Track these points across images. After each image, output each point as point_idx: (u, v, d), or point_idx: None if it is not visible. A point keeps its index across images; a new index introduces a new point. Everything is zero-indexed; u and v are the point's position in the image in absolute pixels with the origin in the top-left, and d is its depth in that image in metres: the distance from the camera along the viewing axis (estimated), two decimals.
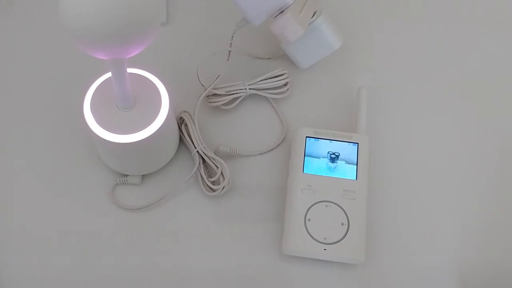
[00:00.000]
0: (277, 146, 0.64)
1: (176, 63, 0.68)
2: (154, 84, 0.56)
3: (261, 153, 0.64)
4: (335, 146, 0.61)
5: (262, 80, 0.65)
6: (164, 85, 0.56)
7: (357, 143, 0.61)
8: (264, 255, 0.58)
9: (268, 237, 0.59)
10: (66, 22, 0.41)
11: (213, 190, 0.59)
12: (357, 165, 0.60)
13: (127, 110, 0.54)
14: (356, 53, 0.70)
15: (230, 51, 0.64)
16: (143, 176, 0.61)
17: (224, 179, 0.59)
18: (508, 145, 0.66)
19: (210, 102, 0.64)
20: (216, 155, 0.61)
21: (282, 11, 0.59)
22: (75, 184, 0.61)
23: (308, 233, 0.56)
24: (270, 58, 0.69)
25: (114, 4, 0.39)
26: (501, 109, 0.68)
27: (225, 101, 0.64)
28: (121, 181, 0.60)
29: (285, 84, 0.66)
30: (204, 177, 0.60)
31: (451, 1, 0.75)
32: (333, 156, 0.60)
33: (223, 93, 0.63)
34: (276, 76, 0.65)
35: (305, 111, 0.66)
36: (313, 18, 0.62)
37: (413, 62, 0.70)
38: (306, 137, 0.61)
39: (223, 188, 0.59)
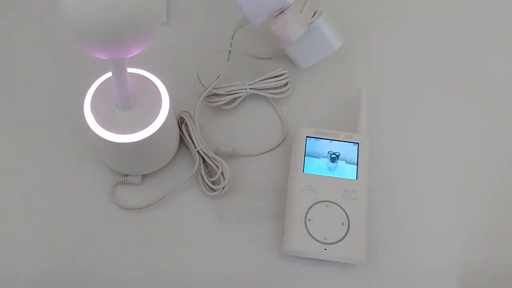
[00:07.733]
0: (277, 146, 0.64)
1: (176, 63, 0.68)
2: (154, 84, 0.56)
3: (261, 153, 0.64)
4: (335, 146, 0.61)
5: (262, 80, 0.65)
6: (164, 85, 0.56)
7: (357, 143, 0.61)
8: (264, 255, 0.58)
9: (268, 237, 0.59)
10: (67, 21, 0.41)
11: (213, 190, 0.59)
12: (357, 165, 0.60)
13: (127, 110, 0.54)
14: (356, 53, 0.70)
15: (230, 51, 0.64)
16: (143, 176, 0.61)
17: (224, 179, 0.59)
18: (509, 145, 0.66)
19: (210, 102, 0.64)
20: (217, 155, 0.61)
21: (282, 11, 0.59)
22: (75, 184, 0.61)
23: (308, 233, 0.56)
24: (270, 58, 0.69)
25: (115, 4, 0.40)
26: (502, 109, 0.68)
27: (225, 101, 0.64)
28: (121, 181, 0.60)
29: (285, 84, 0.66)
30: (204, 177, 0.60)
31: (452, 1, 0.75)
32: (333, 156, 0.60)
33: (224, 93, 0.63)
34: (276, 76, 0.65)
35: (305, 111, 0.66)
36: (313, 18, 0.62)
37: (413, 62, 0.70)
38: (306, 137, 0.61)
39: (223, 188, 0.59)
